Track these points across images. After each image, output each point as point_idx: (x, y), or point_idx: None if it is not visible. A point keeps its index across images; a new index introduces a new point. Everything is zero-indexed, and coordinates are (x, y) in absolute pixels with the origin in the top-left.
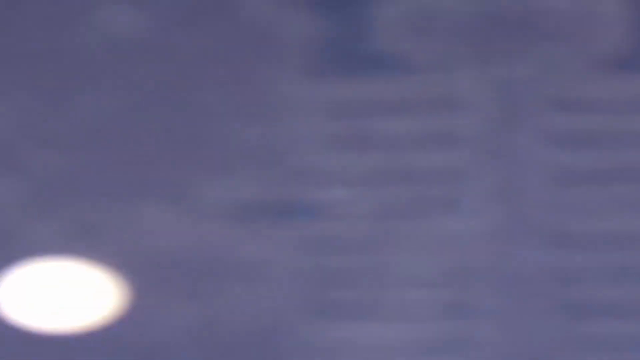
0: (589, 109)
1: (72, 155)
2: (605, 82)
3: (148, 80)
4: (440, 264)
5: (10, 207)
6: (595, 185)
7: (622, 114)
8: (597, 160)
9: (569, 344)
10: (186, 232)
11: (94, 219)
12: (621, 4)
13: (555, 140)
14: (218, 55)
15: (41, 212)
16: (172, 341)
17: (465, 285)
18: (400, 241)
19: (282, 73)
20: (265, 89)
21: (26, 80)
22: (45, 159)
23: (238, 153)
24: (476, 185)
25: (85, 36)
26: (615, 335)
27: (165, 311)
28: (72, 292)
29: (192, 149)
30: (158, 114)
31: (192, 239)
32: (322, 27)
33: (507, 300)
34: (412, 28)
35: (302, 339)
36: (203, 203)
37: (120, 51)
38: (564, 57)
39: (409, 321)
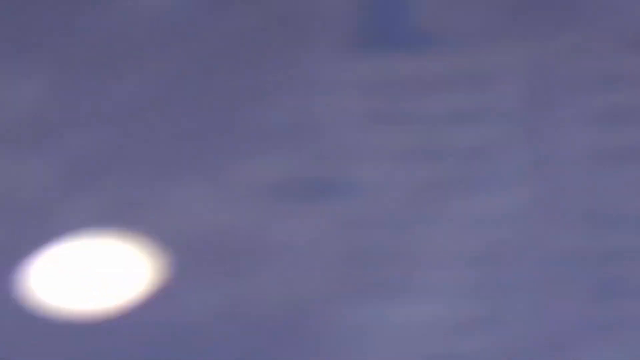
0: (624, 86)
1: (109, 133)
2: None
3: (184, 61)
4: (473, 243)
5: (48, 184)
6: (631, 165)
7: None
8: (633, 139)
9: (600, 324)
10: (222, 211)
11: (130, 197)
12: None
13: (592, 118)
14: (252, 34)
15: (78, 189)
16: (206, 320)
17: (498, 264)
18: (434, 219)
19: (317, 50)
20: (301, 66)
21: (65, 57)
22: (82, 137)
23: (274, 132)
24: (511, 163)
25: (121, 16)
26: None
27: (200, 290)
28: (108, 270)
29: (227, 128)
30: (194, 93)
31: (228, 218)
32: (357, 2)
33: (540, 280)
34: (449, 3)
35: (338, 319)
36: (238, 182)
37: (157, 32)
38: (600, 34)
39: (441, 300)
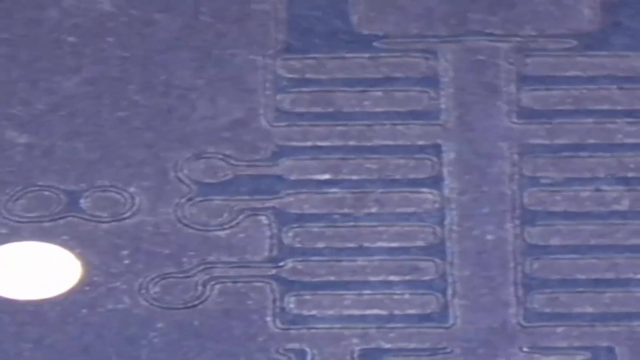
0: (560, 84)
1: (46, 130)
2: (576, 59)
3: (123, 58)
4: (407, 235)
5: None
6: (565, 161)
7: (593, 90)
8: (567, 136)
9: (527, 315)
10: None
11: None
12: None
13: (526, 115)
14: (190, 34)
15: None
16: None
17: (430, 256)
18: (368, 213)
19: (249, 49)
20: (236, 65)
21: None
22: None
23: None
24: (446, 159)
25: (63, 13)
26: (570, 306)
27: None
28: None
29: (162, 124)
30: (132, 90)
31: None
32: (296, 5)
33: (470, 271)
34: (386, 5)
35: None
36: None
37: (96, 30)
38: (538, 35)
39: (374, 290)
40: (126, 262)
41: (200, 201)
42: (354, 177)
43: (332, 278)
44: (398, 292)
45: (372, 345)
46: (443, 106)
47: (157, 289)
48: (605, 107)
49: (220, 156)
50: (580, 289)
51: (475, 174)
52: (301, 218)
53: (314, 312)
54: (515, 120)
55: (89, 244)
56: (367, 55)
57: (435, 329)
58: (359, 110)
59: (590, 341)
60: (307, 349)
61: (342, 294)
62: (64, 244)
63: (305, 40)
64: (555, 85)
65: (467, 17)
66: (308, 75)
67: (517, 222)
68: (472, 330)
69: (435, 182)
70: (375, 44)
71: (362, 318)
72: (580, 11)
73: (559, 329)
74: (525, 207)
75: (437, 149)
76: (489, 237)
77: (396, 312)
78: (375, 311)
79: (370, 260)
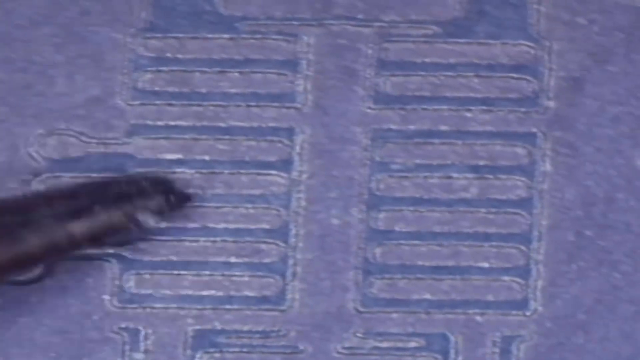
0: (419, 70)
1: None
2: (437, 45)
3: None
4: (251, 217)
5: None
6: (416, 147)
7: (451, 77)
8: (420, 122)
9: (364, 300)
10: (7, 185)
11: None
12: None
13: (383, 100)
14: (54, 10)
15: None
16: None
17: (274, 238)
18: (215, 194)
19: (113, 27)
20: (97, 43)
21: None
22: None
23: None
24: (298, 142)
25: None
26: (408, 292)
27: None
28: None
29: (19, 100)
30: None
31: (11, 190)
32: None
33: (313, 255)
34: None
35: None
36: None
37: None
38: (401, 21)
39: (214, 271)
40: None
41: (49, 177)
42: (205, 158)
43: (173, 258)
44: (237, 273)
45: (207, 326)
46: (300, 89)
47: None
48: (462, 94)
49: (73, 133)
50: (420, 276)
51: (326, 158)
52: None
53: (151, 291)
54: (371, 105)
55: None
56: (227, 36)
57: (271, 311)
58: (215, 91)
59: (425, 328)
60: (141, 328)
61: (181, 274)
62: None
63: (168, 20)
64: (414, 72)
65: (333, 1)
66: (168, 55)
67: (363, 207)
68: (308, 314)
69: (285, 165)
70: (237, 25)
71: (199, 299)
72: None
73: (394, 315)
74: (373, 192)
75: (290, 132)
76: (335, 221)
77: (233, 293)
78: (213, 292)
79: (212, 241)
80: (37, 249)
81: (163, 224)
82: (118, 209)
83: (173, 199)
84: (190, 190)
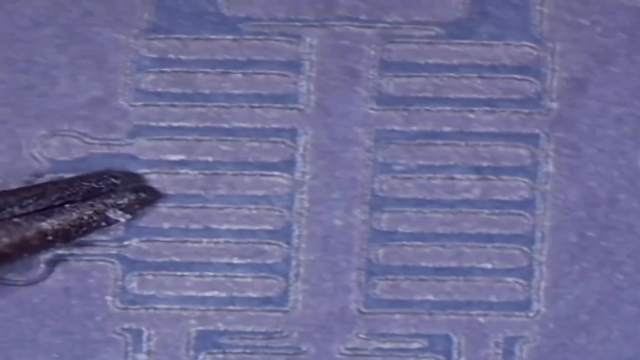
0: (422, 71)
1: None
2: (440, 46)
3: None
4: (254, 218)
5: None
6: (419, 148)
7: (454, 78)
8: (423, 123)
9: (367, 301)
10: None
11: None
12: None
13: (386, 101)
14: (56, 10)
15: None
16: None
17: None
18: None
19: (116, 28)
20: (99, 44)
21: None
22: None
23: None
24: (301, 143)
25: None
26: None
27: None
28: None
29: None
30: None
31: None
32: None
33: (315, 256)
34: None
35: None
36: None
37: None
38: (404, 22)
39: (217, 272)
40: None
41: (51, 178)
42: (208, 159)
43: (175, 259)
44: (240, 274)
45: (210, 327)
46: (303, 90)
47: None
48: (465, 95)
49: (75, 134)
50: (423, 277)
51: (328, 159)
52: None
53: (154, 292)
54: (374, 106)
55: None
56: (230, 37)
57: (274, 312)
58: (218, 92)
59: (428, 329)
60: (144, 329)
61: (184, 275)
62: None
63: (171, 21)
64: (417, 73)
65: (335, 2)
66: (170, 56)
67: (366, 208)
68: (310, 315)
69: (288, 166)
70: (240, 26)
71: (202, 300)
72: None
73: (397, 316)
74: (376, 193)
75: (293, 133)
76: (337, 222)
77: (236, 294)
78: (216, 293)
79: (215, 242)
80: (8, 247)
81: (133, 220)
82: (88, 206)
83: (143, 195)
84: (159, 187)
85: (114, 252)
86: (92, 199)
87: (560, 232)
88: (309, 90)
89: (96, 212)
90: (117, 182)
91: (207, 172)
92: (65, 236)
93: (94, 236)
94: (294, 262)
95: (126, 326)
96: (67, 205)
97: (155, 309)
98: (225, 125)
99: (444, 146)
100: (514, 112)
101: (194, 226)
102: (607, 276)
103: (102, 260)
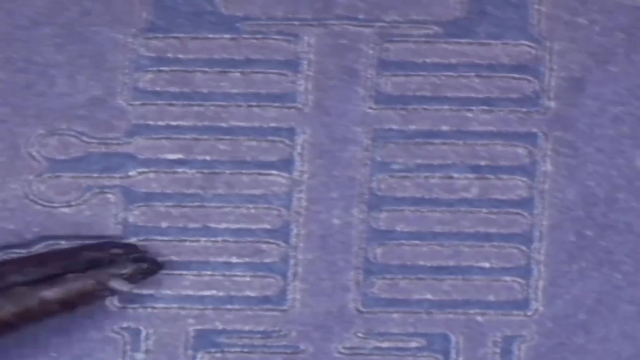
0: (420, 70)
1: None
2: (438, 45)
3: None
4: (253, 217)
5: None
6: (417, 147)
7: (452, 77)
8: (421, 122)
9: (365, 300)
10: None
11: None
12: None
13: (384, 100)
14: (55, 10)
15: None
16: None
17: (275, 238)
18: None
19: (114, 28)
20: (98, 43)
21: None
22: None
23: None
24: (299, 142)
25: None
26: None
27: None
28: None
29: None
30: None
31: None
32: None
33: (314, 255)
34: None
35: None
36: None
37: None
38: (402, 21)
39: (215, 271)
40: None
41: (49, 177)
42: (206, 158)
43: (173, 258)
44: (238, 273)
45: (208, 326)
46: (301, 89)
47: None
48: (463, 94)
49: (74, 133)
50: (421, 276)
51: (327, 158)
52: (149, 197)
53: (152, 291)
54: (372, 105)
55: None
56: (228, 36)
57: (272, 311)
58: (217, 91)
59: (426, 328)
60: (142, 328)
61: (182, 274)
62: None
63: (169, 20)
64: (415, 72)
65: (333, 1)
66: (169, 55)
67: (364, 207)
68: (308, 314)
69: (286, 165)
70: (238, 25)
71: (200, 299)
72: None
73: (395, 315)
74: (374, 193)
75: (291, 132)
76: (336, 221)
77: (234, 293)
78: (214, 292)
79: (213, 241)
80: (10, 315)
81: (135, 289)
82: (90, 276)
83: (145, 266)
84: (161, 259)
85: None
86: (94, 269)
87: (558, 231)
88: (307, 89)
89: (98, 282)
90: (119, 252)
91: (205, 171)
92: (68, 305)
93: (92, 235)
94: (292, 261)
95: (124, 325)
96: (69, 275)
97: (154, 308)
98: (224, 125)
99: (442, 145)
100: (512, 111)
101: (192, 225)
102: (606, 275)
103: None
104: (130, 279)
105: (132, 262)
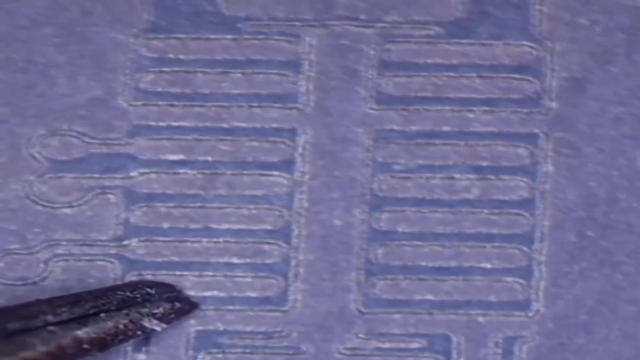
0: (421, 71)
1: None
2: (439, 46)
3: None
4: (254, 217)
5: None
6: (418, 147)
7: (453, 77)
8: (422, 123)
9: (366, 301)
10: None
11: None
12: None
13: (385, 101)
14: (55, 10)
15: None
16: None
17: (276, 239)
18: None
19: (115, 28)
20: (98, 43)
21: None
22: None
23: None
24: (301, 142)
25: None
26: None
27: None
28: None
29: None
30: None
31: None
32: None
33: (315, 255)
34: None
35: None
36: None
37: None
38: (403, 21)
39: (216, 272)
40: None
41: (51, 178)
42: (207, 159)
43: (174, 258)
44: (240, 274)
45: (209, 327)
46: (302, 90)
47: (0, 264)
48: (464, 95)
49: (75, 134)
50: (422, 276)
51: (328, 159)
52: (150, 198)
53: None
54: (373, 105)
55: None
56: (229, 36)
57: (273, 312)
58: (218, 91)
59: (427, 328)
60: None
61: (183, 275)
62: None
63: (170, 20)
64: (416, 72)
65: (335, 1)
66: (170, 55)
67: (366, 207)
68: (310, 315)
69: (288, 165)
70: (239, 25)
71: (202, 299)
72: None
73: (397, 316)
74: (375, 193)
75: (292, 133)
76: (337, 222)
77: (236, 294)
78: (215, 293)
79: (214, 242)
80: (45, 356)
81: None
82: (124, 315)
83: (178, 305)
84: (195, 298)
85: (113, 251)
86: (127, 308)
87: (559, 232)
88: (309, 89)
89: (131, 322)
90: (152, 291)
91: (206, 171)
92: (101, 345)
93: (93, 235)
94: (293, 262)
95: None
96: (102, 315)
97: None
98: (225, 125)
99: (443, 146)
100: (513, 111)
101: (193, 226)
102: (607, 276)
103: (101, 260)
104: (164, 318)
105: (165, 302)
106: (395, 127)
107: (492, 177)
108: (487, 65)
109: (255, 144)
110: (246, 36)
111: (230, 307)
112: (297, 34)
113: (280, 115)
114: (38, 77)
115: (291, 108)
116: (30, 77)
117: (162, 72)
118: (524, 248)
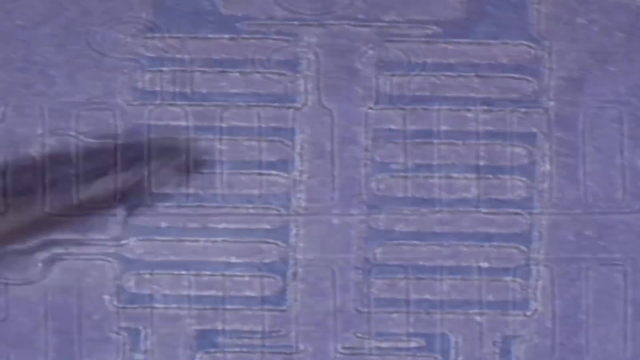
0: (420, 71)
1: None
2: (438, 45)
3: None
4: (252, 217)
5: None
6: (416, 147)
7: (451, 77)
8: (421, 122)
9: (364, 300)
10: None
11: None
12: None
13: (383, 100)
14: (55, 10)
15: None
16: None
17: (274, 238)
18: (215, 194)
19: (114, 28)
20: (97, 43)
21: None
22: None
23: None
24: (299, 142)
25: None
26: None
27: None
28: None
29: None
30: None
31: None
32: None
33: (313, 255)
34: None
35: None
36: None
37: None
38: (401, 21)
39: (214, 271)
40: None
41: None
42: (205, 158)
43: (173, 258)
44: (238, 273)
45: (207, 327)
46: (301, 89)
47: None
48: (462, 94)
49: (73, 133)
50: (420, 276)
51: (327, 159)
52: (148, 197)
53: (151, 291)
54: (372, 105)
55: None
56: (228, 36)
57: (271, 311)
58: (216, 91)
59: (426, 328)
60: (141, 328)
61: (181, 274)
62: None
63: (169, 20)
64: (415, 72)
65: (333, 1)
66: (168, 55)
67: (364, 207)
68: (308, 314)
69: (286, 165)
70: (237, 25)
71: (200, 299)
72: None
73: (395, 315)
74: (373, 192)
75: (290, 132)
76: (335, 221)
77: (234, 293)
78: (213, 292)
79: (212, 241)
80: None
81: (180, 189)
82: (138, 166)
83: (192, 162)
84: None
85: (111, 251)
86: (142, 160)
87: (558, 231)
88: (307, 89)
89: (147, 171)
90: (167, 145)
91: (204, 171)
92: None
93: (92, 235)
94: (291, 261)
95: (124, 325)
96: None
97: (153, 308)
98: (223, 124)
99: (442, 145)
100: (512, 111)
101: (191, 225)
102: (605, 275)
103: (99, 259)
104: (178, 170)
105: (179, 155)
106: (394, 127)
107: (491, 176)
108: (485, 65)
109: (254, 143)
110: (244, 36)
111: (229, 307)
112: (295, 34)
113: (278, 114)
114: (37, 76)
115: (289, 107)
116: (28, 77)
117: (160, 71)
118: (522, 247)
